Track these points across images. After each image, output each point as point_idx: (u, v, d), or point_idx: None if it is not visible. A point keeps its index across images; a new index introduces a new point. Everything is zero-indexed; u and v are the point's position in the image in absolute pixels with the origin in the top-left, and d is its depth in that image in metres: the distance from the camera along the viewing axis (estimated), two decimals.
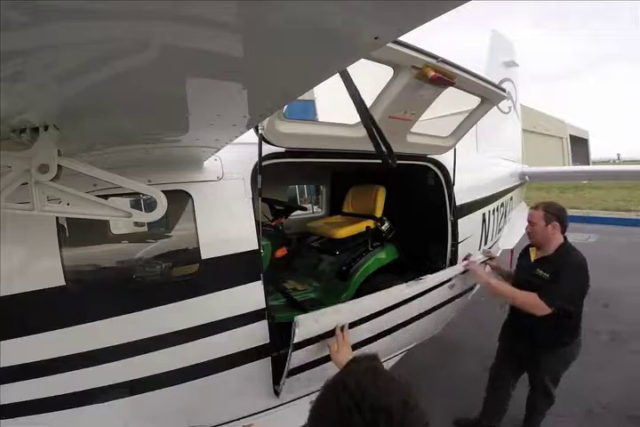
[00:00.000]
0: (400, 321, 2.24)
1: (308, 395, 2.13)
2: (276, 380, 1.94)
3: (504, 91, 2.48)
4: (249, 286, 1.84)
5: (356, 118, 1.87)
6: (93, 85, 0.79)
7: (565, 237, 2.30)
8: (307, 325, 1.74)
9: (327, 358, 1.79)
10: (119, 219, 1.20)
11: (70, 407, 1.61)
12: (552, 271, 2.17)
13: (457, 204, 2.92)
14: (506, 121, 5.39)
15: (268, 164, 1.97)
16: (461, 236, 2.96)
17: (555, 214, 2.26)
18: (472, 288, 2.76)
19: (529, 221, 2.34)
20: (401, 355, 2.60)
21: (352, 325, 1.90)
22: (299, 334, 1.71)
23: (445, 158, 2.89)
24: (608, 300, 4.81)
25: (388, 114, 1.99)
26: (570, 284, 2.12)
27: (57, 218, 1.57)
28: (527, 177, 5.19)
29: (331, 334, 1.80)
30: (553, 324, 2.17)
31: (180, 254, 1.88)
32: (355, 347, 1.88)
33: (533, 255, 2.38)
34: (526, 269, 2.36)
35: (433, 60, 1.76)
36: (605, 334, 4.01)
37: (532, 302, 2.13)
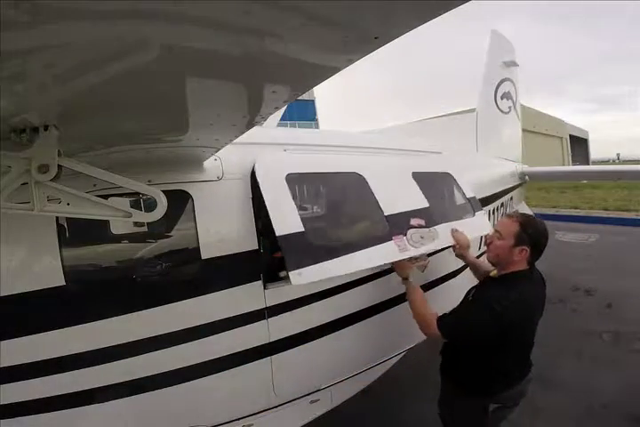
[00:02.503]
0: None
1: (308, 395, 2.14)
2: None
3: None
4: (249, 285, 1.84)
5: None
6: (93, 85, 0.79)
7: (532, 266, 1.82)
8: None
9: None
10: (119, 219, 1.20)
11: (71, 407, 1.61)
12: (476, 297, 1.83)
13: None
14: (506, 121, 5.39)
15: None
16: None
17: (531, 237, 1.74)
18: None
19: (496, 231, 1.85)
20: (400, 355, 2.60)
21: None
22: None
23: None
24: (609, 300, 4.82)
25: None
26: (467, 316, 1.75)
27: (57, 218, 1.57)
28: (527, 177, 5.19)
29: None
30: (455, 357, 1.87)
31: (180, 254, 1.88)
32: None
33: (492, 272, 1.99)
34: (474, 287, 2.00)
35: None
36: (607, 333, 4.02)
37: (426, 321, 1.81)
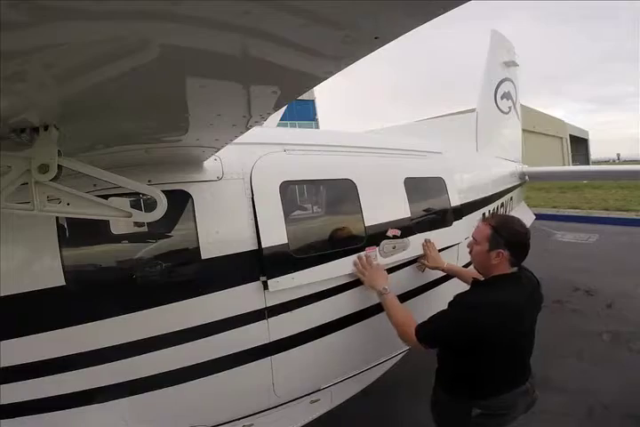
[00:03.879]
0: None
1: (308, 395, 2.14)
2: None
3: None
4: (249, 285, 1.84)
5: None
6: (93, 85, 0.79)
7: (520, 268, 1.75)
8: None
9: None
10: (119, 219, 1.20)
11: (71, 407, 1.61)
12: (451, 302, 1.75)
13: (457, 204, 2.92)
14: (506, 121, 5.39)
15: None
16: None
17: (505, 238, 1.67)
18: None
19: (472, 237, 1.82)
20: (400, 355, 2.60)
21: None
22: None
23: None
24: (609, 300, 4.82)
25: None
26: (440, 321, 1.70)
27: (57, 218, 1.57)
28: (527, 177, 5.19)
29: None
30: (449, 364, 1.79)
31: (180, 254, 1.88)
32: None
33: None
34: None
35: None
36: (607, 333, 4.02)
37: (404, 328, 1.78)
